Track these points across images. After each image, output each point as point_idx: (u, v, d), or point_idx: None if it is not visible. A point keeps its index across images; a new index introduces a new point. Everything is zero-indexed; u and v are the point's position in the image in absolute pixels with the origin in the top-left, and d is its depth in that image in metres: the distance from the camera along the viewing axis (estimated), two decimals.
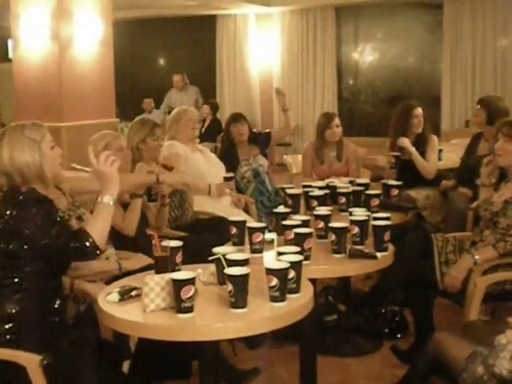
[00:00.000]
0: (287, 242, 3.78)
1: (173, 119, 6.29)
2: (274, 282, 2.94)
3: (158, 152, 5.54)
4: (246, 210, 6.20)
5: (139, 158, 5.21)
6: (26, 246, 3.10)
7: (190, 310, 2.87)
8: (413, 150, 6.30)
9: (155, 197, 4.94)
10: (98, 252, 3.18)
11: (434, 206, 6.22)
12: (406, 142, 6.31)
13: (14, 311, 3.11)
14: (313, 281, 3.39)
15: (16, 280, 3.13)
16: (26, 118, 7.86)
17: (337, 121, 6.60)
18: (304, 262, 3.21)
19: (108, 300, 3.08)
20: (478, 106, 6.58)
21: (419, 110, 6.42)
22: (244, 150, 6.85)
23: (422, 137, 6.43)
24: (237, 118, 7.01)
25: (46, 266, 3.16)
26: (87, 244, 3.12)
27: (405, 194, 5.91)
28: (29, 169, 3.27)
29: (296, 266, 3.08)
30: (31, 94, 8.36)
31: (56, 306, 3.24)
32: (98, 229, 3.18)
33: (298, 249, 3.39)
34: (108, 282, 3.76)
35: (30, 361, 2.90)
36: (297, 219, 4.06)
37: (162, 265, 3.31)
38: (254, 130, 7.94)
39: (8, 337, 3.08)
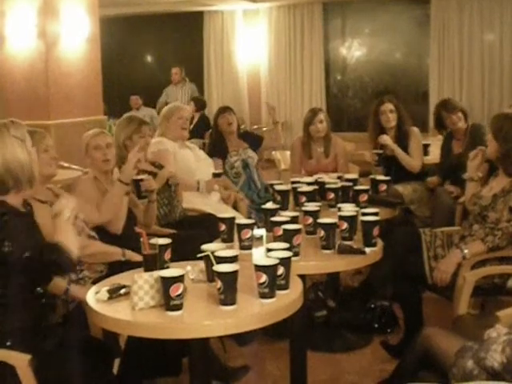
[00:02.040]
0: (276, 239, 3.78)
1: (164, 115, 6.27)
2: (263, 278, 2.94)
3: (144, 150, 5.50)
4: (235, 207, 6.20)
5: (126, 156, 5.19)
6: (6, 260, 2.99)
7: (179, 307, 2.87)
8: (394, 146, 6.30)
9: (145, 194, 4.92)
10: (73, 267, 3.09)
11: (422, 200, 6.23)
12: (386, 139, 6.33)
13: None
14: (302, 277, 3.39)
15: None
16: (14, 116, 7.84)
17: (320, 116, 6.59)
18: (293, 258, 3.21)
19: (97, 298, 3.08)
20: (453, 112, 6.41)
21: (386, 106, 6.42)
22: (233, 143, 6.86)
23: (401, 131, 6.43)
24: (224, 109, 7.08)
25: (27, 278, 3.10)
26: (64, 258, 3.02)
27: (392, 188, 5.92)
28: (22, 170, 3.14)
29: (285, 262, 3.08)
30: (18, 93, 8.35)
31: (41, 312, 3.20)
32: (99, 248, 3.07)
33: (287, 245, 3.39)
34: (99, 279, 3.78)
35: (20, 360, 2.89)
36: (285, 215, 4.05)
37: (150, 262, 3.30)
38: (243, 127, 7.94)
39: None
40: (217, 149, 6.82)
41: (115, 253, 4.13)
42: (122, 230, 4.58)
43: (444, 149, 6.58)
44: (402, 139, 6.40)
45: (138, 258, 3.93)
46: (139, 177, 4.88)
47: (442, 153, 6.61)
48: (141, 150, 5.00)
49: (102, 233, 4.49)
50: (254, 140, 7.20)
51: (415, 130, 6.54)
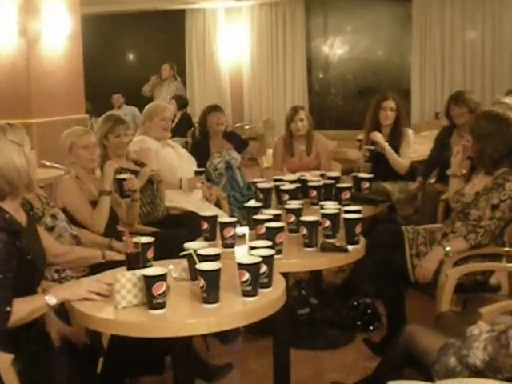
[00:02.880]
0: (259, 237, 3.78)
1: (147, 115, 6.22)
2: (246, 276, 2.94)
3: (121, 149, 5.45)
4: (218, 205, 6.19)
5: (105, 154, 5.18)
6: None
7: (162, 306, 2.86)
8: (385, 145, 6.29)
9: (128, 193, 4.91)
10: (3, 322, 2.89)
11: (407, 201, 6.21)
12: (378, 136, 6.31)
13: None
14: (285, 275, 3.39)
15: None
16: None
17: (301, 115, 6.59)
18: (276, 256, 3.21)
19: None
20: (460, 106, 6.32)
21: (388, 103, 6.40)
22: (217, 143, 6.83)
23: (396, 130, 6.43)
24: (215, 107, 6.99)
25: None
26: (4, 310, 2.88)
27: (380, 186, 5.94)
28: (19, 176, 3.04)
29: (268, 260, 3.08)
30: (0, 91, 8.30)
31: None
32: (23, 313, 2.94)
33: (269, 243, 3.39)
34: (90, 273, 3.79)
35: (2, 360, 2.87)
36: (268, 213, 4.05)
37: (133, 261, 3.29)
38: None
39: None
40: (198, 149, 6.77)
41: (95, 256, 4.11)
42: (103, 229, 4.58)
43: (439, 141, 6.49)
44: (395, 138, 6.39)
45: (118, 257, 3.92)
46: (122, 176, 4.87)
47: (435, 144, 6.52)
48: (116, 160, 5.04)
49: (85, 232, 4.49)
50: (239, 143, 7.18)
51: (409, 131, 6.53)
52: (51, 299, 3.00)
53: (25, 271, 3.01)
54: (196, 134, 7.02)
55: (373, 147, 6.26)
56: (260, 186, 5.03)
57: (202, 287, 2.89)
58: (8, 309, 2.88)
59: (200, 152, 6.68)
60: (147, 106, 6.41)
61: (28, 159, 3.11)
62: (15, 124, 3.18)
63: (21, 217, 3.16)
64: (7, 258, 2.90)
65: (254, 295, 2.98)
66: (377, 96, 6.62)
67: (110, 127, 5.37)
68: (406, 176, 6.35)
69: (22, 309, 2.94)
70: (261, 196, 4.92)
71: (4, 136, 3.05)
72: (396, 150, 6.32)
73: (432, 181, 6.44)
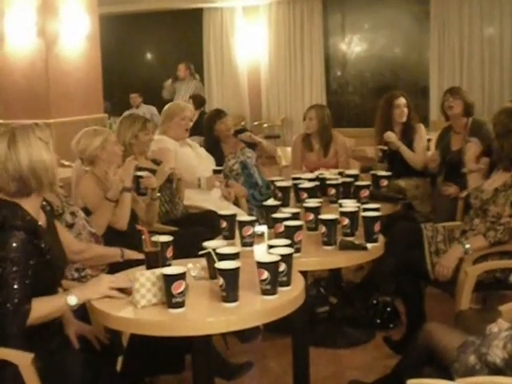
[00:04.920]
0: (277, 235, 3.78)
1: (167, 114, 6.23)
2: (265, 275, 2.94)
3: (148, 147, 5.54)
4: (236, 203, 6.19)
5: (129, 154, 5.19)
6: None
7: (181, 304, 2.87)
8: (399, 143, 6.30)
9: (144, 191, 4.92)
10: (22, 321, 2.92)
11: (424, 196, 6.21)
12: (391, 136, 6.31)
13: None
14: (304, 273, 3.39)
15: None
16: (14, 115, 7.91)
17: (310, 114, 6.59)
18: (295, 255, 3.21)
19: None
20: (456, 97, 6.24)
21: (401, 100, 6.41)
22: (229, 145, 6.80)
23: (408, 126, 6.43)
24: (220, 114, 6.89)
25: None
26: (23, 308, 2.91)
27: (394, 184, 5.92)
28: (46, 172, 3.08)
29: (287, 258, 3.08)
30: (18, 91, 8.35)
31: None
32: (42, 311, 2.97)
33: (288, 241, 3.39)
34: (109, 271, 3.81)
35: (22, 359, 2.88)
36: (287, 212, 4.06)
37: (152, 260, 3.30)
38: (243, 123, 7.85)
39: None
40: (213, 154, 6.76)
41: (113, 255, 4.12)
42: (126, 225, 4.61)
43: (440, 143, 6.45)
44: (408, 135, 6.40)
45: (136, 256, 3.92)
46: (139, 173, 4.88)
47: (438, 147, 6.44)
48: (137, 159, 5.07)
49: (106, 228, 4.52)
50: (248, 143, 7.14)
51: (421, 126, 6.53)
52: (72, 299, 3.02)
53: (44, 271, 3.03)
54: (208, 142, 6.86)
55: (386, 147, 6.26)
56: (278, 184, 5.04)
57: (221, 286, 2.89)
58: (27, 306, 2.90)
59: (215, 157, 6.66)
60: (167, 106, 6.41)
61: (53, 158, 3.15)
62: (41, 124, 3.24)
63: (40, 217, 3.18)
64: (25, 256, 2.93)
65: (273, 294, 2.98)
66: (386, 96, 6.61)
67: (141, 126, 5.43)
68: (421, 172, 6.34)
69: (42, 307, 2.96)
70: (279, 194, 4.93)
71: (33, 133, 3.10)
72: (409, 145, 6.33)
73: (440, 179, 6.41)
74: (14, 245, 2.90)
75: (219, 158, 6.61)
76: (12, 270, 2.88)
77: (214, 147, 6.75)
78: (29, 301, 2.91)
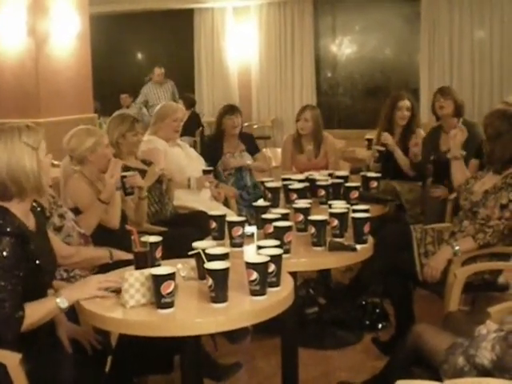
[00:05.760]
0: (267, 236, 3.78)
1: (159, 115, 6.23)
2: (254, 275, 2.94)
3: (136, 147, 5.53)
4: (226, 204, 6.20)
5: (118, 153, 5.18)
6: None
7: (170, 305, 2.86)
8: (395, 147, 6.29)
9: (131, 190, 4.91)
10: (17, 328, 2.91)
11: (416, 201, 6.21)
12: (388, 138, 6.31)
13: None
14: (293, 274, 3.39)
15: None
16: (4, 114, 7.87)
17: (306, 115, 6.61)
18: (284, 256, 3.21)
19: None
20: (446, 98, 6.22)
21: (405, 103, 6.41)
22: (231, 144, 6.80)
23: (408, 130, 6.43)
24: (232, 109, 6.90)
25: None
26: (17, 315, 2.89)
27: (389, 185, 5.93)
28: (27, 178, 3.02)
29: (276, 259, 3.08)
30: (8, 90, 8.33)
31: None
32: (34, 317, 2.95)
33: (277, 242, 3.39)
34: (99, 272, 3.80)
35: (11, 359, 2.88)
36: (276, 212, 4.06)
37: (141, 260, 3.30)
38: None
39: None
40: (212, 147, 6.77)
41: (102, 256, 4.10)
42: (118, 224, 4.61)
43: (428, 143, 6.38)
44: (407, 138, 6.39)
45: (126, 256, 3.91)
46: (123, 173, 4.87)
47: (424, 147, 6.35)
48: (127, 159, 5.07)
49: (97, 228, 4.51)
50: (253, 147, 7.05)
51: (421, 131, 6.50)
52: (63, 302, 3.00)
53: (33, 276, 3.01)
54: (205, 133, 6.94)
55: (383, 148, 6.26)
56: (268, 185, 5.04)
57: (210, 286, 2.89)
58: (21, 313, 2.89)
59: (213, 150, 6.67)
60: (158, 107, 6.42)
61: (41, 164, 3.09)
62: (34, 127, 3.16)
63: (30, 221, 3.15)
64: (16, 263, 2.91)
65: (262, 294, 2.98)
66: (392, 95, 6.61)
67: (129, 126, 5.42)
68: (415, 176, 6.34)
69: (34, 313, 2.95)
70: (269, 195, 4.92)
71: (18, 137, 3.04)
72: (406, 149, 6.32)
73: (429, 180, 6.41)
74: (5, 253, 2.87)
75: (216, 154, 6.63)
76: (3, 277, 2.87)
77: (214, 141, 6.77)
78: (21, 308, 2.90)
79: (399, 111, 6.41)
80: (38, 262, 3.04)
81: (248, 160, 6.79)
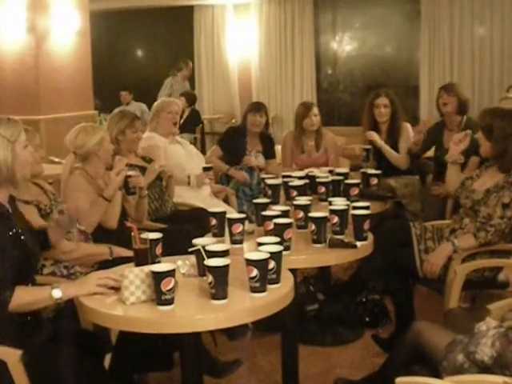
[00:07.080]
0: (267, 233, 3.78)
1: (155, 111, 6.27)
2: (255, 272, 2.94)
3: (136, 145, 5.53)
4: (226, 201, 6.20)
5: (117, 150, 5.18)
6: None
7: (170, 302, 2.86)
8: (381, 143, 6.31)
9: (133, 190, 4.91)
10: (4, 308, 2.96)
11: (414, 195, 6.21)
12: (373, 135, 6.32)
13: None
14: (293, 271, 3.39)
15: None
16: (4, 111, 7.87)
17: (315, 110, 6.62)
18: (284, 253, 3.21)
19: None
20: (450, 94, 6.25)
21: (382, 100, 6.41)
22: (252, 142, 6.84)
23: (393, 126, 6.43)
24: (257, 107, 6.91)
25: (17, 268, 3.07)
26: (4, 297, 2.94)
27: (384, 182, 5.92)
28: None
29: (276, 256, 3.08)
30: (8, 87, 8.33)
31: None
32: (24, 299, 3.00)
33: (277, 239, 3.39)
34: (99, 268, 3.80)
35: (11, 356, 2.88)
36: (276, 209, 4.05)
37: (141, 257, 3.30)
38: (233, 121, 7.82)
39: None
40: (235, 138, 6.79)
41: (102, 253, 4.12)
42: (116, 224, 4.61)
43: (430, 138, 6.40)
44: (393, 134, 6.40)
45: (125, 253, 3.92)
46: (128, 173, 4.87)
47: (424, 140, 6.31)
48: (126, 156, 5.07)
49: (98, 229, 4.51)
50: (270, 152, 7.03)
51: (407, 126, 6.50)
52: (57, 292, 3.01)
53: (19, 252, 3.04)
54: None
55: (369, 147, 6.25)
56: (269, 182, 5.04)
57: (210, 283, 2.89)
58: (8, 292, 2.91)
59: (235, 142, 6.68)
60: (154, 104, 6.44)
61: (16, 156, 3.11)
62: (14, 120, 3.20)
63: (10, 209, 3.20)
64: (2, 242, 2.94)
65: (262, 291, 2.98)
66: (370, 95, 6.63)
67: (128, 123, 5.43)
68: (410, 171, 6.34)
69: (24, 295, 2.98)
70: (269, 192, 4.93)
71: None
72: (395, 145, 6.33)
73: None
74: None
75: (239, 149, 6.64)
76: None
77: (240, 134, 6.78)
78: (9, 287, 2.92)
79: (377, 109, 6.42)
80: (23, 238, 3.08)
81: (262, 161, 6.81)
